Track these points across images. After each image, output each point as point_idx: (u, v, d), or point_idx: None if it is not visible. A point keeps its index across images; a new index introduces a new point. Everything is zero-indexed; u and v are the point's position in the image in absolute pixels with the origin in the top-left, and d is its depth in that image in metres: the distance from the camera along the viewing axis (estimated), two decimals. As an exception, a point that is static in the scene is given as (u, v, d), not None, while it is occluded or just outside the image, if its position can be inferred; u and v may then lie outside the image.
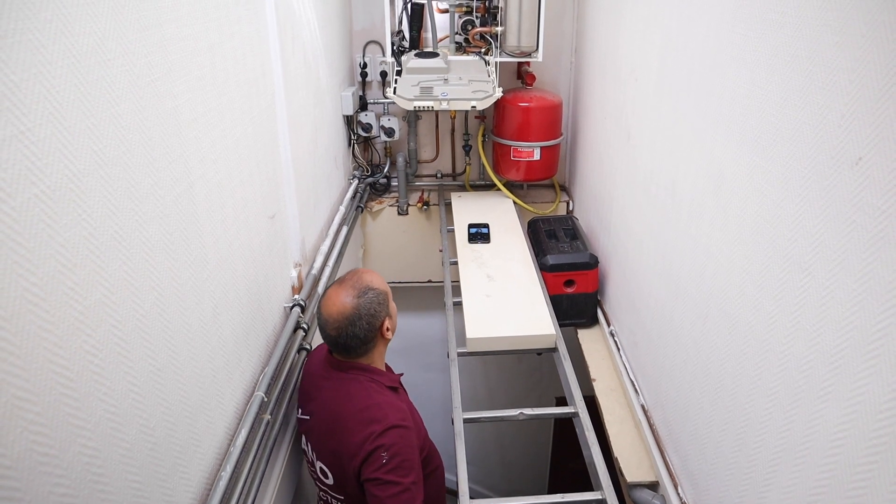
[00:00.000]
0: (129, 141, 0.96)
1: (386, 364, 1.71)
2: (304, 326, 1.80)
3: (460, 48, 2.74)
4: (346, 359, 1.59)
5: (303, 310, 1.83)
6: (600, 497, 1.52)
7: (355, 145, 3.01)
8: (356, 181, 2.97)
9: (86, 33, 0.85)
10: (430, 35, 2.71)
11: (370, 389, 1.55)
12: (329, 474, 1.56)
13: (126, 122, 0.95)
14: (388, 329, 1.61)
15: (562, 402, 1.92)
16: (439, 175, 3.25)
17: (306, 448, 1.63)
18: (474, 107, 2.45)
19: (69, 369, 0.81)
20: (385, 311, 1.60)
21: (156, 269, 1.04)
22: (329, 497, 1.62)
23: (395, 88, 2.47)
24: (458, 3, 2.64)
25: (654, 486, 1.74)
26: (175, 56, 1.11)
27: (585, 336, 2.38)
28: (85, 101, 0.84)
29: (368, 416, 1.48)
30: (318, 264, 2.12)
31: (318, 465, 1.58)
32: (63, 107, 0.80)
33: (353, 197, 2.85)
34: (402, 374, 1.72)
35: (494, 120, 2.92)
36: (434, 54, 2.57)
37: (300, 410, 1.66)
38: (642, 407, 1.89)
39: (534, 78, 2.87)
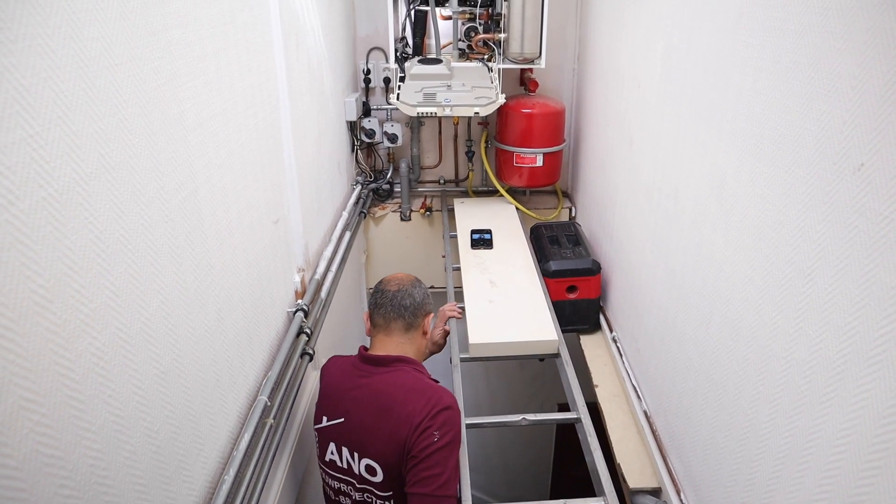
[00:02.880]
0: (136, 145, 0.97)
1: None
2: (307, 331, 1.80)
3: (463, 55, 2.76)
4: (386, 337, 1.66)
5: (306, 314, 1.83)
6: (603, 503, 1.52)
7: (358, 151, 3.02)
8: (359, 187, 2.98)
9: (94, 38, 0.86)
10: (433, 41, 2.73)
11: (419, 378, 1.58)
12: (378, 469, 1.51)
13: (132, 127, 0.96)
14: (427, 328, 1.72)
15: (564, 408, 1.92)
16: (442, 181, 3.26)
17: (336, 456, 1.58)
18: (477, 113, 2.46)
19: (75, 371, 0.82)
20: (431, 308, 1.74)
21: (161, 272, 1.04)
22: (373, 499, 1.55)
23: (398, 94, 2.48)
24: (461, 9, 2.66)
25: (656, 493, 1.74)
26: (181, 61, 1.12)
27: (588, 342, 2.38)
28: (92, 106, 0.85)
29: (424, 394, 1.50)
30: (321, 269, 2.13)
31: (363, 463, 1.53)
32: (71, 111, 0.81)
33: (356, 202, 2.86)
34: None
35: (497, 126, 2.93)
36: (437, 60, 2.59)
37: (324, 419, 1.61)
38: (645, 413, 1.89)
39: (536, 84, 2.88)
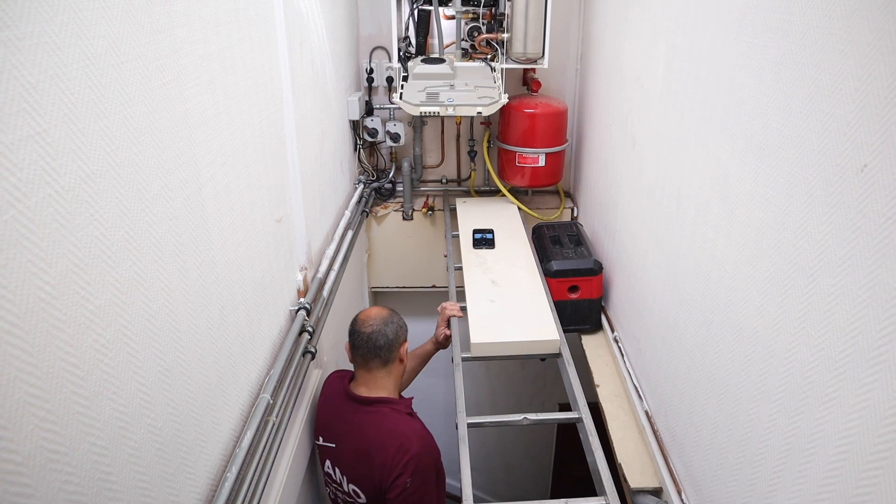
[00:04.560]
0: (141, 143, 0.97)
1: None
2: (310, 329, 1.80)
3: (466, 54, 2.76)
4: (369, 377, 1.82)
5: (308, 313, 1.84)
6: (604, 502, 1.52)
7: (361, 150, 3.02)
8: (361, 186, 2.98)
9: (100, 36, 0.86)
10: (436, 41, 2.73)
11: (395, 420, 1.76)
12: (361, 494, 1.74)
13: (138, 125, 0.96)
14: (404, 355, 1.87)
15: (565, 407, 1.92)
16: (444, 180, 3.26)
17: (331, 471, 1.81)
18: (480, 113, 2.46)
19: (79, 367, 0.82)
20: (405, 337, 1.88)
21: (165, 270, 1.05)
22: None
23: (401, 94, 2.49)
24: (464, 9, 2.66)
25: (657, 492, 1.74)
26: (186, 59, 1.13)
27: (589, 342, 2.38)
28: (98, 103, 0.86)
29: (396, 440, 1.69)
30: (323, 268, 2.13)
31: (350, 486, 1.76)
32: (77, 108, 0.81)
33: (359, 202, 2.87)
34: (412, 398, 1.91)
35: (500, 126, 2.93)
36: (440, 60, 2.59)
37: (321, 438, 1.84)
38: (646, 413, 1.89)
39: (539, 84, 2.88)
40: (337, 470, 1.80)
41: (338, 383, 1.91)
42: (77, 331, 0.82)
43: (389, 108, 3.02)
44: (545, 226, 2.66)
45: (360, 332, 1.81)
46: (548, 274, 2.33)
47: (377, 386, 1.83)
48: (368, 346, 1.79)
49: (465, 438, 1.69)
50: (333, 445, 1.80)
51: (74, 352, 0.81)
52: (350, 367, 1.96)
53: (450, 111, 2.46)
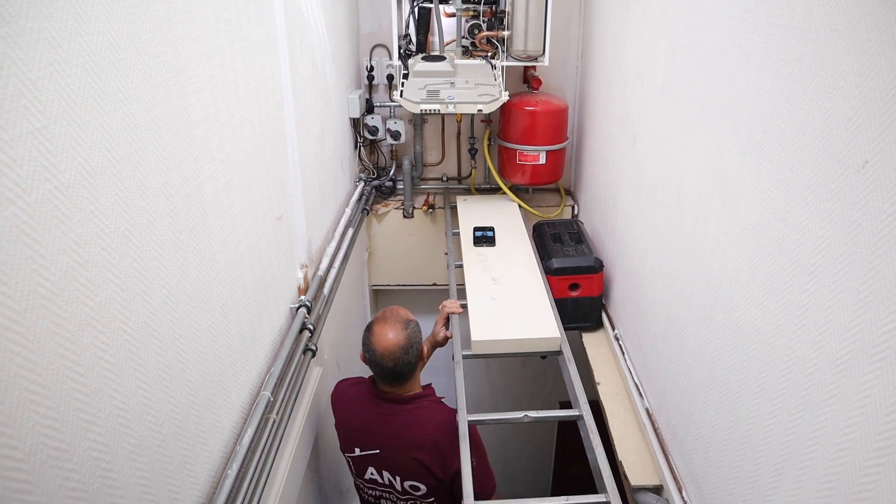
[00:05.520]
0: (141, 140, 0.97)
1: None
2: (310, 327, 1.80)
3: (467, 52, 2.76)
4: (396, 389, 1.78)
5: (308, 311, 1.84)
6: (605, 500, 1.52)
7: (361, 148, 3.02)
8: (362, 184, 2.98)
9: (100, 32, 0.86)
10: (436, 39, 2.73)
11: (439, 409, 1.79)
12: (421, 486, 1.76)
13: (138, 121, 0.96)
14: (424, 354, 1.86)
15: (566, 405, 1.92)
16: (445, 178, 3.26)
17: (377, 476, 1.80)
18: (480, 110, 2.46)
19: (80, 364, 0.82)
20: (421, 337, 1.83)
21: (165, 267, 1.05)
22: (417, 502, 1.80)
23: (401, 91, 2.48)
24: (465, 7, 2.65)
25: (658, 490, 1.74)
26: (186, 56, 1.13)
27: (590, 340, 2.38)
28: (98, 100, 0.86)
29: (452, 432, 1.70)
30: (324, 265, 2.13)
31: (407, 484, 1.76)
32: (77, 104, 0.81)
33: (359, 199, 2.86)
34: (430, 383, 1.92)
35: (500, 124, 2.93)
36: (441, 58, 2.59)
37: (357, 449, 1.80)
38: (647, 410, 1.89)
39: (540, 82, 2.88)
40: (385, 473, 1.78)
41: (357, 391, 1.86)
42: (77, 327, 0.82)
43: (390, 106, 3.01)
44: (546, 223, 2.66)
45: (381, 365, 1.73)
46: (548, 271, 2.33)
47: (408, 388, 1.81)
48: (394, 375, 1.75)
49: (465, 436, 1.68)
50: (377, 451, 1.77)
51: (75, 348, 0.81)
52: (354, 373, 1.98)
53: (450, 109, 2.45)
